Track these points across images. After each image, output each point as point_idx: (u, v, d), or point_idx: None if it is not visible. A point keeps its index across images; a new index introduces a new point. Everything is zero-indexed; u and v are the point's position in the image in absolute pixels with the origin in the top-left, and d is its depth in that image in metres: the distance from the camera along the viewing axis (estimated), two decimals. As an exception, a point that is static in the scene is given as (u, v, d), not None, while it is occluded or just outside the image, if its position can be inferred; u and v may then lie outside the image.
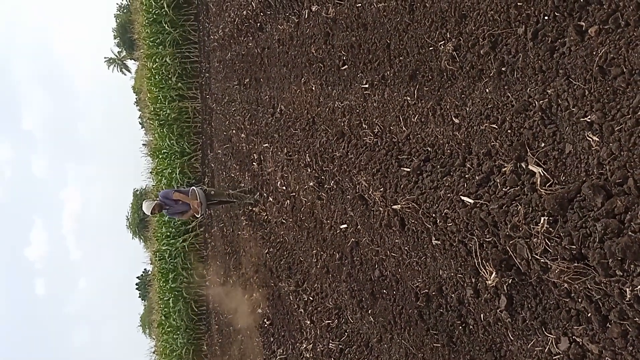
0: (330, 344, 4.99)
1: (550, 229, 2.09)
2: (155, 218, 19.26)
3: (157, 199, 8.24)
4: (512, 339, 2.56)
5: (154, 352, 23.40)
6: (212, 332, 16.35)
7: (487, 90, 2.66)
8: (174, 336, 18.58)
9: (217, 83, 13.12)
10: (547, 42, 2.24)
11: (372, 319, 4.26)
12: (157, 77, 16.38)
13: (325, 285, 5.42)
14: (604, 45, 1.94)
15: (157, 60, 16.08)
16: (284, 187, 6.90)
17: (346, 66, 4.49)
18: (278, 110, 7.00)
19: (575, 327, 2.13)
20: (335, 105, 4.82)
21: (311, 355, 5.78)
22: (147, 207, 8.02)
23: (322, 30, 5.00)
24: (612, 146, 1.92)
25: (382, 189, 3.75)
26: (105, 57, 60.17)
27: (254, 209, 8.62)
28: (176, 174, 16.90)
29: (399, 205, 3.30)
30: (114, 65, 60.26)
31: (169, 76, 16.10)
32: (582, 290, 2.04)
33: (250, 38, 8.43)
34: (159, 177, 18.45)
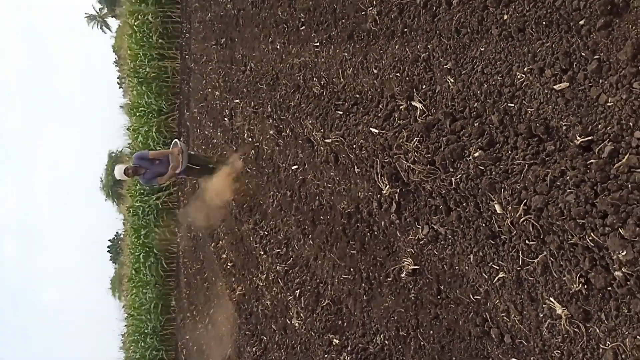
0: (278, 267, 5.85)
1: (419, 145, 2.92)
2: (129, 191, 19.36)
3: (131, 162, 7.52)
4: (399, 235, 3.41)
5: (123, 306, 24.11)
6: (181, 287, 17.09)
7: (396, 47, 3.45)
8: (144, 290, 19.09)
9: (197, 43, 13.61)
10: (432, 9, 3.03)
11: (311, 242, 5.10)
12: (138, 34, 16.69)
13: (278, 220, 6.24)
14: (460, 12, 2.74)
15: (139, 17, 16.38)
16: (250, 139, 7.64)
17: (304, 27, 5.23)
18: (248, 67, 7.69)
19: (433, 217, 2.98)
20: (294, 61, 5.56)
21: (264, 284, 6.64)
22: (118, 171, 7.30)
23: (287, -6, 5.69)
24: (458, 85, 2.74)
25: (322, 130, 4.55)
26: (86, 14, 58.91)
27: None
28: (152, 132, 17.35)
29: (330, 139, 4.10)
30: (95, 22, 59.06)
31: (150, 34, 16.45)
32: (435, 188, 2.88)
33: None
34: (136, 135, 18.86)
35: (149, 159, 7.46)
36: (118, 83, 49.66)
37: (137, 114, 18.33)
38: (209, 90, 11.41)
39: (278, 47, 6.19)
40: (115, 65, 50.18)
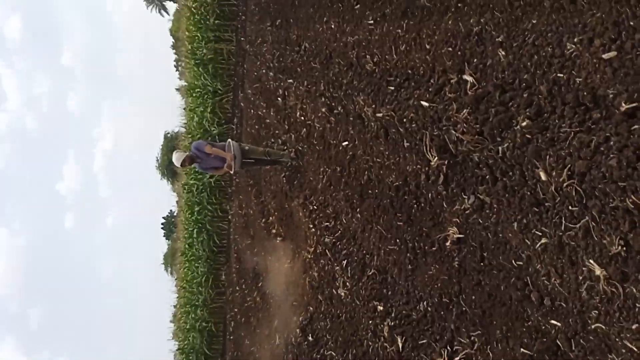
0: (326, 239, 6.08)
1: (468, 117, 3.02)
2: (185, 170, 19.86)
3: (189, 151, 7.78)
4: (446, 206, 3.53)
5: (176, 279, 25.40)
6: (231, 262, 17.79)
7: (449, 22, 3.53)
8: (196, 264, 19.96)
9: (252, 25, 13.95)
10: (486, -16, 3.09)
11: (359, 215, 5.28)
12: (196, 16, 17.25)
13: (328, 196, 6.46)
14: (513, -14, 2.80)
15: (197, 0, 16.91)
16: (302, 117, 7.86)
17: (358, 5, 5.35)
18: (303, 47, 7.89)
19: (480, 187, 3.09)
20: (348, 40, 5.70)
21: (312, 257, 6.91)
22: (177, 159, 7.66)
23: (343, -26, 5.81)
24: (509, 57, 2.81)
25: (373, 106, 4.69)
26: (145, -3, 60.88)
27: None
28: (207, 113, 17.97)
29: (381, 114, 4.24)
30: (153, 5, 61.00)
31: (208, 17, 16.97)
32: (483, 159, 2.98)
33: (284, -18, 9.22)
34: (191, 115, 19.61)
35: (204, 151, 7.63)
36: (175, 66, 51.33)
37: (194, 95, 19.02)
38: (263, 71, 11.72)
39: (332, 26, 6.33)
40: (173, 49, 51.80)
